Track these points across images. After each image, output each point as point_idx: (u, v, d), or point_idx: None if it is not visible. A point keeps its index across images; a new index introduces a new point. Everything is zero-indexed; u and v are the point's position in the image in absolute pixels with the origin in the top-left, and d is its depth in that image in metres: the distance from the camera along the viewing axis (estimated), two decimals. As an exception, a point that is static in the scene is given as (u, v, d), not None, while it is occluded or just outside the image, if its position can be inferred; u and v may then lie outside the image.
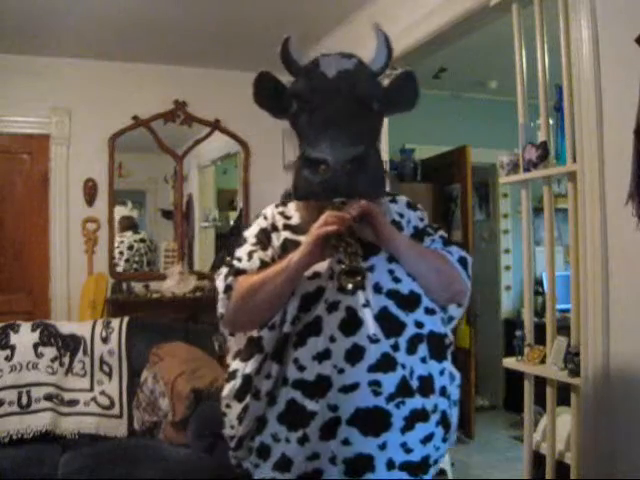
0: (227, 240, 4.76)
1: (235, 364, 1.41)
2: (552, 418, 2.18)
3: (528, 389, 2.32)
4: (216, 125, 4.45)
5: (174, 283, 4.11)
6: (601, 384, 1.92)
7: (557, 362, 2.12)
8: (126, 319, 2.93)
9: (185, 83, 4.37)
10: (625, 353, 1.87)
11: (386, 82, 1.45)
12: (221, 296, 1.39)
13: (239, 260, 1.42)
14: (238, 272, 1.40)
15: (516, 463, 3.12)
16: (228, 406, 1.40)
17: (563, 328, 2.22)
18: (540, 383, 2.25)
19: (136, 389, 2.73)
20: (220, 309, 1.40)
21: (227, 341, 1.47)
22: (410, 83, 1.45)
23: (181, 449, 2.47)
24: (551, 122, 2.23)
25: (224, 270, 1.43)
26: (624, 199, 1.78)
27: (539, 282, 4.28)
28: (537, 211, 2.77)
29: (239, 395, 1.37)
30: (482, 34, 2.92)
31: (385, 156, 3.46)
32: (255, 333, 1.36)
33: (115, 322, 2.90)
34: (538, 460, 2.26)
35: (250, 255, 1.42)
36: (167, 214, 4.65)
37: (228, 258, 1.47)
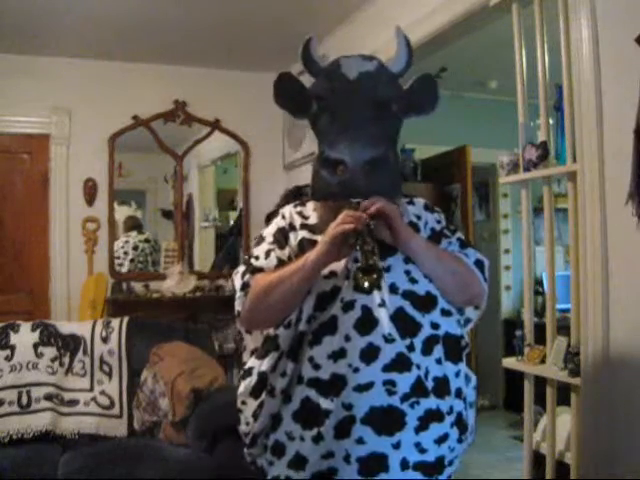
0: (227, 240, 4.76)
1: (251, 362, 1.42)
2: (552, 418, 2.18)
3: (528, 389, 2.32)
4: (216, 125, 4.45)
5: (174, 283, 4.11)
6: (601, 384, 1.92)
7: (557, 362, 2.12)
8: (126, 319, 2.93)
9: (185, 83, 4.37)
10: (625, 353, 1.86)
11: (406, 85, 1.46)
12: (238, 294, 1.41)
13: (256, 258, 1.43)
14: (255, 270, 1.41)
15: (516, 463, 3.12)
16: (244, 403, 1.42)
17: (563, 328, 2.22)
18: (540, 383, 2.25)
19: (136, 389, 2.73)
20: (237, 307, 1.41)
21: (244, 339, 1.49)
22: (430, 86, 1.45)
23: (181, 449, 2.46)
24: (551, 122, 2.23)
25: (241, 268, 1.44)
26: (624, 199, 1.78)
27: (539, 282, 4.28)
28: (537, 211, 2.78)
29: (255, 392, 1.38)
30: (482, 34, 2.92)
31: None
32: (271, 331, 1.37)
33: (115, 322, 2.89)
34: (538, 460, 2.25)
35: (267, 254, 1.43)
36: (167, 214, 4.65)
37: (246, 257, 1.48)
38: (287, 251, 1.42)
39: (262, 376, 1.36)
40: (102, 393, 2.70)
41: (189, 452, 2.44)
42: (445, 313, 1.38)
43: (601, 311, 1.91)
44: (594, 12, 1.92)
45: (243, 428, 1.43)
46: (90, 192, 4.17)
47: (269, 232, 1.48)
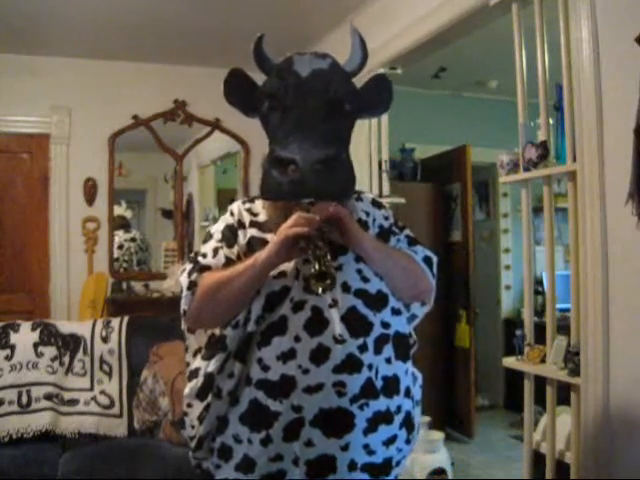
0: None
1: (197, 362, 1.39)
2: (552, 418, 2.18)
3: (528, 388, 2.32)
4: (216, 124, 4.45)
5: (174, 283, 4.10)
6: (601, 384, 1.92)
7: (557, 361, 2.12)
8: (126, 318, 2.93)
9: (185, 82, 4.36)
10: (625, 352, 1.86)
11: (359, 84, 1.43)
12: (185, 293, 1.37)
13: (204, 256, 1.41)
14: (203, 268, 1.38)
15: (516, 463, 3.12)
16: (189, 405, 1.39)
17: (563, 327, 2.22)
18: (540, 383, 2.25)
19: (136, 389, 2.73)
20: (183, 305, 1.38)
21: (186, 339, 1.45)
22: (384, 86, 1.43)
23: (181, 449, 2.45)
24: (551, 121, 2.23)
25: (188, 266, 1.41)
26: (624, 199, 1.78)
27: (539, 282, 4.28)
28: (537, 210, 2.77)
29: (201, 394, 1.36)
30: (482, 34, 2.92)
31: (385, 156, 3.46)
32: (218, 332, 1.35)
33: (115, 321, 2.90)
34: (538, 460, 2.26)
35: (215, 251, 1.40)
36: (167, 213, 4.65)
37: (192, 255, 1.45)
38: (235, 249, 1.40)
39: (209, 378, 1.34)
40: (102, 393, 2.70)
41: (189, 452, 2.44)
42: (395, 312, 1.38)
43: (601, 311, 1.91)
44: (594, 12, 1.92)
45: (188, 432, 1.40)
46: (90, 192, 4.17)
47: (217, 229, 1.45)
